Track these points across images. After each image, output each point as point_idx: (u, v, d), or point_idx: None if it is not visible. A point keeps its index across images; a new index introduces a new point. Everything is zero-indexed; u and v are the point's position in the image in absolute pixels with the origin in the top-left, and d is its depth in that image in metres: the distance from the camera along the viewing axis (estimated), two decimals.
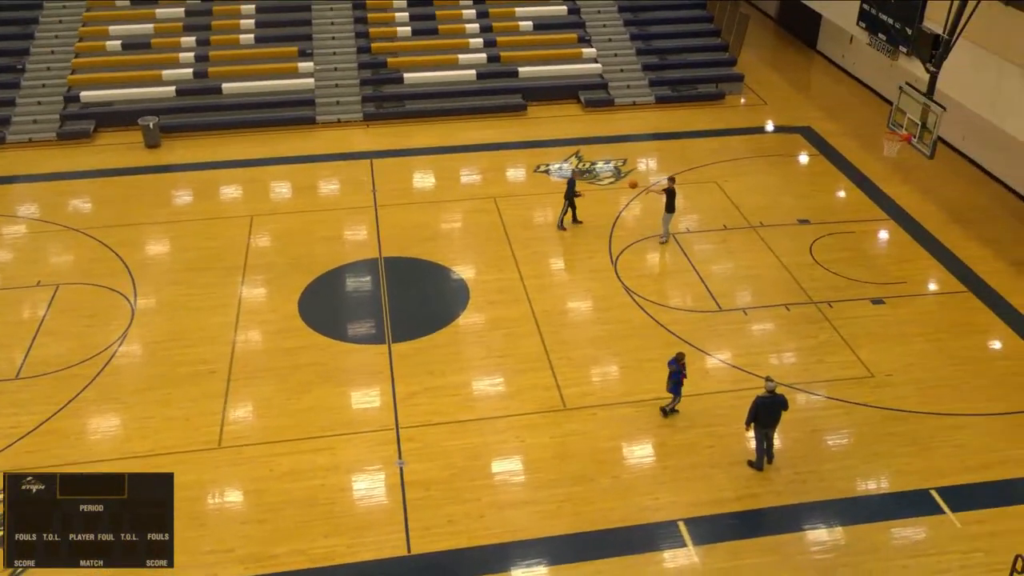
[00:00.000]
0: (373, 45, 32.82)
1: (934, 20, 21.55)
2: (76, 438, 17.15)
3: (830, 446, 17.16)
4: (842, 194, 26.09)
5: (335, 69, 32.01)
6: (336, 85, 31.48)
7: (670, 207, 22.98)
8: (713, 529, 15.35)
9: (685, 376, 17.14)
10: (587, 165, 27.49)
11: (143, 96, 30.24)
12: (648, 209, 24.96)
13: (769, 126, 30.49)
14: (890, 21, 23.47)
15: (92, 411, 17.81)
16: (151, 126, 28.44)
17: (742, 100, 32.51)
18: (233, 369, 18.92)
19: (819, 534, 15.31)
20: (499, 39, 33.27)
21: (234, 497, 15.97)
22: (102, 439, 17.20)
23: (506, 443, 17.11)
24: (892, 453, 16.93)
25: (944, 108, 20.37)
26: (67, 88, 30.36)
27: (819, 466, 16.63)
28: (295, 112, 30.40)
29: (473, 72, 31.99)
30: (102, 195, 26.00)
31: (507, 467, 16.60)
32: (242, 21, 33.12)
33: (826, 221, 24.21)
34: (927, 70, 21.23)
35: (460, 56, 32.42)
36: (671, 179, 23.32)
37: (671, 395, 17.35)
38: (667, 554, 14.94)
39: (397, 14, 33.97)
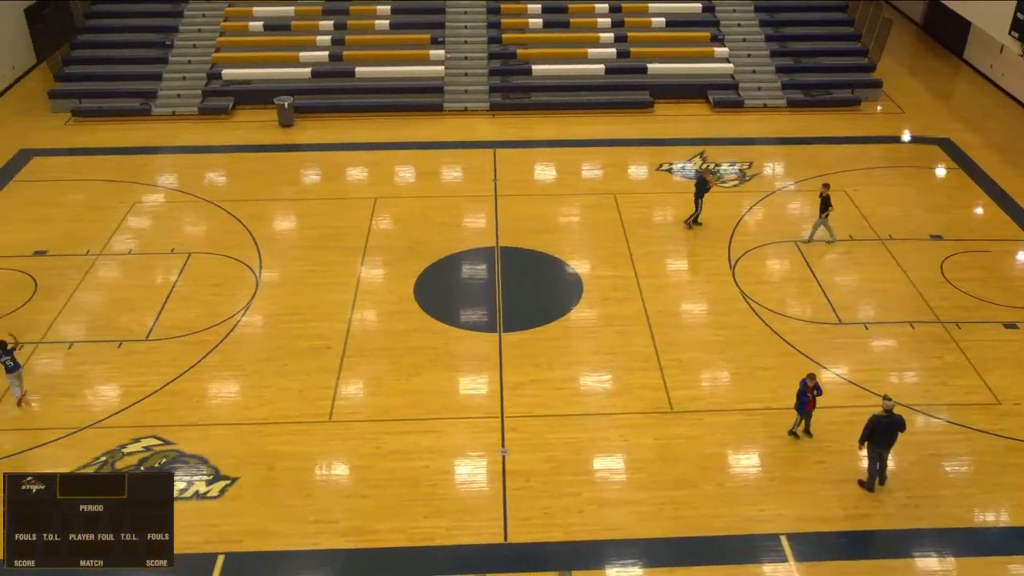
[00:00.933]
0: (504, 36, 33.04)
1: None
2: (197, 401, 17.90)
3: (948, 472, 16.43)
4: (979, 211, 24.89)
5: (465, 58, 32.36)
6: (465, 74, 31.83)
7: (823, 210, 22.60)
8: (817, 546, 14.91)
9: (812, 397, 16.57)
10: (711, 166, 27.02)
11: (280, 76, 31.27)
12: (771, 215, 24.37)
13: (906, 136, 29.34)
14: None
15: (213, 376, 18.55)
16: (286, 106, 29.39)
17: (879, 107, 31.37)
18: (348, 346, 19.39)
19: (930, 562, 14.68)
20: (630, 35, 33.00)
21: (340, 471, 16.38)
22: (221, 403, 17.90)
23: (609, 441, 17.02)
24: (1016, 485, 16.08)
25: None
26: (210, 65, 31.64)
27: (935, 492, 15.94)
28: (423, 99, 30.90)
29: (602, 67, 31.83)
30: (236, 170, 27.03)
31: (609, 465, 16.51)
32: (379, 7, 33.82)
33: (961, 238, 23.17)
34: None
35: (590, 50, 32.31)
36: (825, 186, 22.76)
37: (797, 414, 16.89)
38: (767, 568, 14.59)
39: (530, 6, 34.10)
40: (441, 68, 31.76)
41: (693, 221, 23.63)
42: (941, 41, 36.88)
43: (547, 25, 33.57)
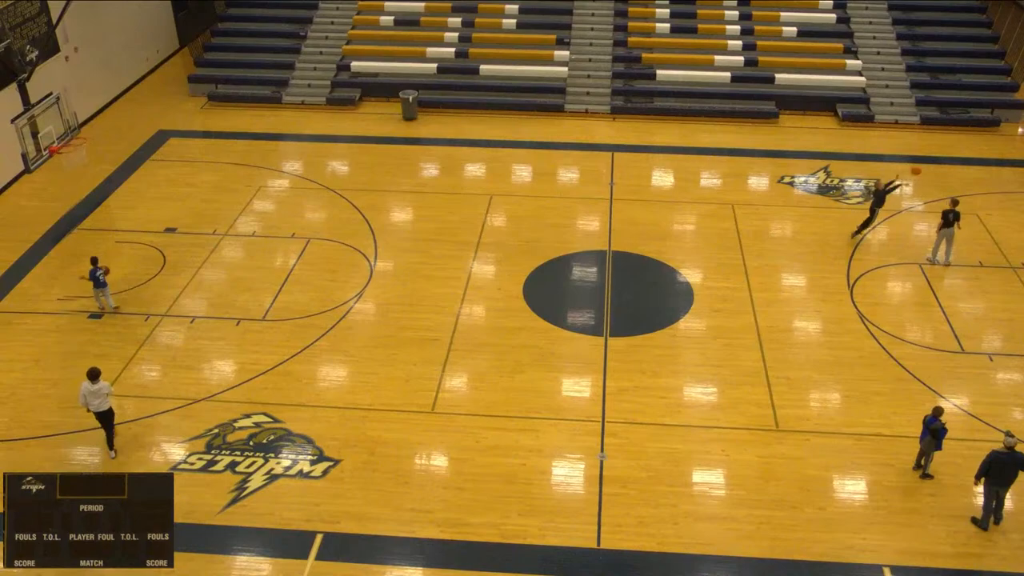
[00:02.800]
0: (630, 39, 32.83)
1: None
2: (306, 382, 18.40)
3: None
4: None
5: (589, 60, 32.30)
6: (588, 76, 31.77)
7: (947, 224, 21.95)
8: None
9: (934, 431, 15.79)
10: (835, 181, 26.23)
11: (406, 70, 31.86)
12: (895, 234, 23.52)
13: None
14: None
15: (323, 360, 19.04)
16: (410, 99, 29.93)
17: (1020, 130, 29.88)
18: (454, 340, 19.61)
19: None
20: (759, 43, 32.34)
21: (439, 462, 16.58)
22: (328, 387, 18.35)
23: (710, 454, 16.72)
24: None
25: None
26: (340, 57, 32.48)
27: None
28: (546, 99, 30.99)
29: (728, 75, 31.29)
30: (358, 160, 27.67)
31: (707, 479, 16.23)
32: (507, 6, 34.07)
33: None
34: None
35: (717, 57, 31.80)
36: (953, 201, 22.07)
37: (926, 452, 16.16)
38: None
39: (658, 10, 33.80)
40: (565, 69, 31.78)
41: (856, 226, 23.34)
42: None
43: (674, 30, 33.19)
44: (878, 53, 32.19)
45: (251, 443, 16.77)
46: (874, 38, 32.73)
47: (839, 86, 31.07)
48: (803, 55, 31.94)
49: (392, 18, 33.76)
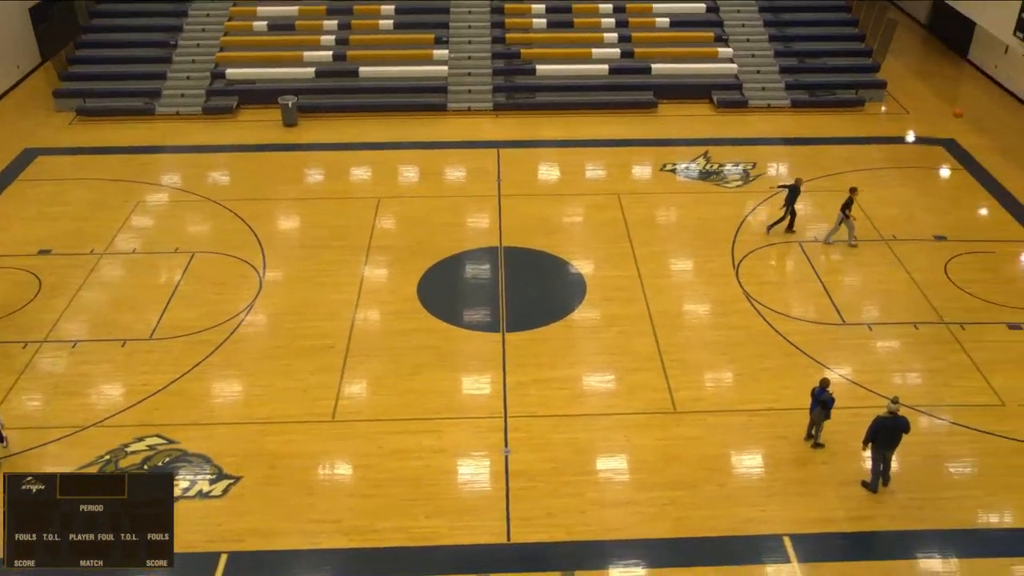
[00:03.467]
0: (508, 36, 33.04)
1: None
2: (200, 400, 17.90)
3: (952, 474, 16.39)
4: (984, 212, 24.83)
5: (469, 58, 32.37)
6: (469, 74, 31.83)
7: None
8: (820, 547, 14.88)
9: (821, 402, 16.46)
10: (715, 166, 26.99)
11: (284, 76, 31.30)
12: (774, 215, 24.33)
13: (910, 137, 29.28)
14: None
15: (216, 376, 18.55)
16: (290, 105, 29.41)
17: (883, 108, 31.32)
18: (351, 346, 19.40)
19: (933, 564, 14.65)
20: (634, 35, 32.99)
21: (343, 470, 16.37)
22: (223, 403, 17.90)
23: (612, 441, 17.00)
24: (1020, 487, 16.04)
25: None
26: (214, 65, 31.66)
27: (938, 494, 15.90)
28: (427, 98, 30.90)
29: (605, 67, 31.82)
30: (240, 169, 27.05)
31: (611, 465, 16.50)
32: (383, 7, 33.82)
33: (965, 239, 23.11)
34: None
35: (594, 50, 32.29)
36: (852, 189, 22.72)
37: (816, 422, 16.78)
38: (770, 568, 14.57)
39: (534, 6, 34.09)
40: (445, 68, 31.76)
41: (783, 229, 23.48)
42: (945, 42, 36.82)
43: (551, 25, 33.56)
44: (747, 40, 33.25)
45: (146, 467, 16.23)
46: (743, 26, 33.80)
47: (713, 73, 31.97)
48: (677, 45, 32.72)
49: (265, 23, 33.09)
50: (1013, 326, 20.09)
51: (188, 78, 31.25)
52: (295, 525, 15.12)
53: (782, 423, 17.32)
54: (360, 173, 26.93)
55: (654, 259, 22.47)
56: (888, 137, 29.13)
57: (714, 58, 32.36)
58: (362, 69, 31.50)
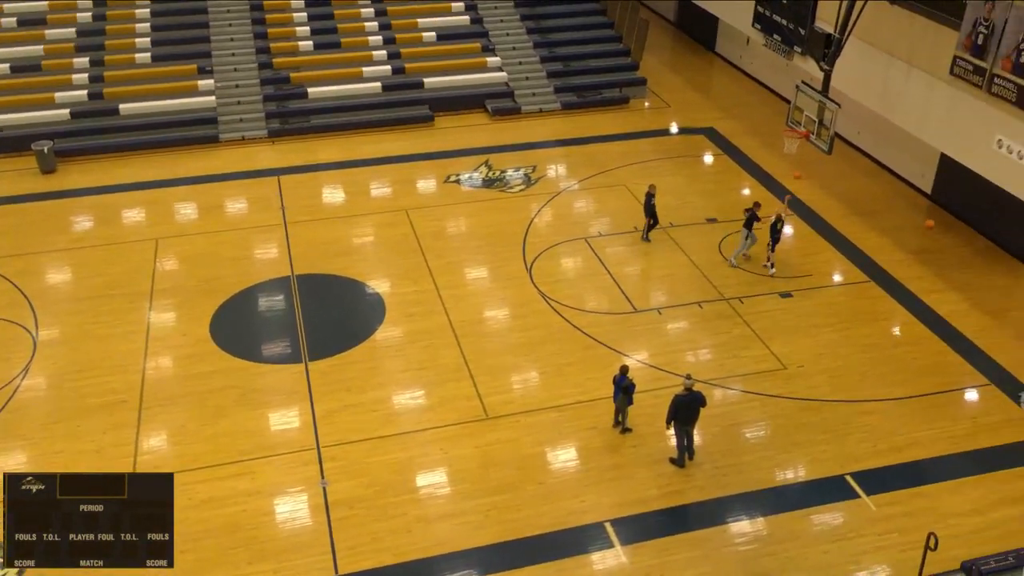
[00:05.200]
0: (275, 60, 32.37)
1: (825, 20, 22.30)
2: None
3: (748, 439, 17.55)
4: (747, 192, 26.73)
5: (236, 86, 31.46)
6: (238, 102, 30.94)
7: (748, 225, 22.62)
8: (640, 528, 15.53)
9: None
10: (497, 173, 27.59)
11: (36, 120, 29.20)
12: (559, 214, 25.18)
13: (674, 128, 31.08)
14: (784, 22, 24.18)
15: None
16: (45, 151, 27.49)
17: (646, 104, 33.06)
18: (145, 397, 18.40)
19: (742, 526, 15.63)
20: (403, 50, 33.18)
21: None
22: None
23: (429, 456, 17.03)
24: (808, 442, 17.40)
25: (839, 105, 21.06)
26: None
27: (739, 459, 16.99)
28: (197, 131, 29.77)
29: (378, 84, 31.83)
30: None
31: (432, 480, 16.52)
32: (137, 40, 32.29)
33: (733, 219, 24.75)
34: (821, 68, 21.94)
35: (364, 69, 32.22)
36: (756, 204, 22.81)
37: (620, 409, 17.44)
38: (595, 556, 15.06)
39: (298, 28, 33.60)
40: (212, 98, 30.71)
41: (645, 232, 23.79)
42: (694, 37, 39.34)
43: (318, 47, 33.18)
44: (514, 48, 34.20)
45: None
46: (507, 35, 34.75)
47: (484, 83, 32.66)
48: (446, 58, 33.19)
49: (7, 65, 30.79)
50: (784, 295, 21.75)
51: None
52: None
53: (591, 414, 17.94)
54: (133, 215, 25.56)
55: (449, 270, 22.69)
56: (655, 131, 30.78)
57: (484, 68, 33.06)
58: (122, 106, 29.92)
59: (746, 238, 22.70)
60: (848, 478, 16.58)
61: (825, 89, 21.56)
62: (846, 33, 20.68)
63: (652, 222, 23.77)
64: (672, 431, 16.65)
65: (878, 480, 16.52)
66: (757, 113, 31.79)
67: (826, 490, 16.33)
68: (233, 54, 32.61)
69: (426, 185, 27.30)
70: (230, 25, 33.67)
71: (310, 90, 31.36)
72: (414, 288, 21.99)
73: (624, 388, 16.97)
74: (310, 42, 33.19)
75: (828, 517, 15.80)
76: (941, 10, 20.68)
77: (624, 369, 17.12)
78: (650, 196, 23.48)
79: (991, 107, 19.15)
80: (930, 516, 15.69)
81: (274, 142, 29.89)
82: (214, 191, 26.73)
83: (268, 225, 24.79)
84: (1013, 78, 18.44)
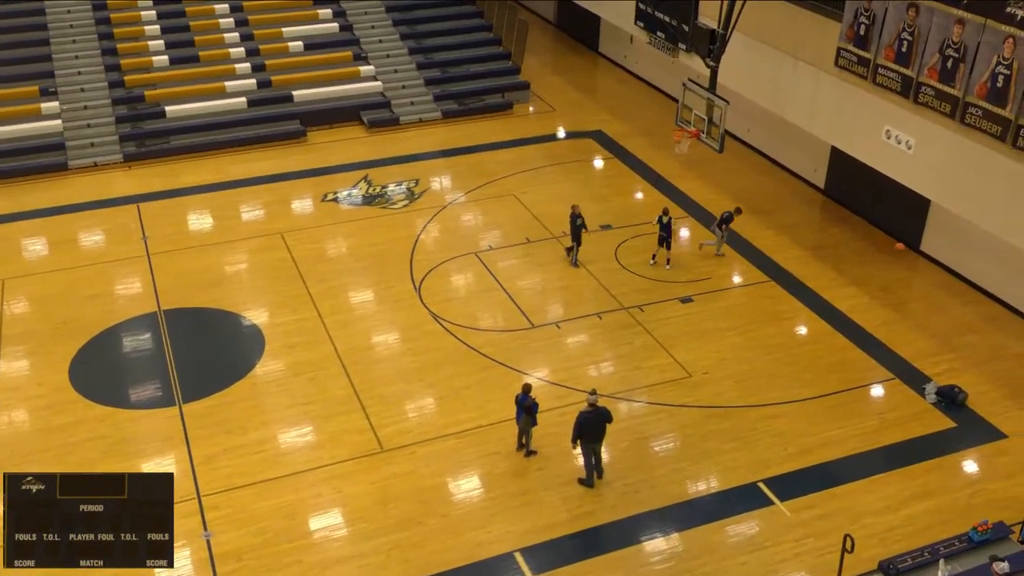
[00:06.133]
0: (127, 78, 31.46)
1: (709, 16, 23.00)
2: None
3: (658, 452, 17.85)
4: (640, 195, 27.29)
5: (85, 107, 30.45)
6: (88, 125, 29.93)
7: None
8: (551, 554, 15.60)
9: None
10: (378, 189, 27.43)
11: None
12: (447, 229, 25.18)
13: (561, 132, 31.52)
14: (667, 19, 24.83)
15: None
16: None
17: (531, 108, 33.44)
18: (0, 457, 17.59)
19: (658, 543, 15.87)
20: (268, 62, 32.71)
21: None
22: None
23: (322, 496, 16.75)
24: (718, 450, 17.81)
25: (727, 102, 21.71)
26: None
27: (649, 474, 17.26)
28: (42, 159, 28.64)
29: (243, 99, 31.28)
30: None
31: (326, 522, 16.25)
32: None
33: (627, 224, 25.25)
34: (707, 65, 22.59)
35: (227, 83, 31.62)
36: (737, 210, 24.00)
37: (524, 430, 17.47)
38: None
39: (150, 42, 32.74)
40: (58, 122, 29.62)
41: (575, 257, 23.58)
42: (576, 38, 40.00)
43: (174, 61, 32.41)
44: (388, 56, 34.13)
45: None
46: (380, 41, 34.65)
47: (358, 94, 32.47)
48: (316, 68, 32.87)
49: None
50: (684, 300, 22.26)
51: None
52: None
53: (493, 438, 17.96)
54: None
55: (332, 295, 22.42)
56: (541, 136, 31.15)
57: (357, 78, 32.88)
58: None
59: (721, 238, 23.71)
60: (761, 485, 17.03)
61: (712, 86, 22.21)
62: (730, 28, 21.36)
63: (577, 245, 23.39)
64: (578, 450, 16.78)
65: (791, 484, 17.03)
66: (645, 113, 32.51)
67: (740, 499, 16.73)
68: (79, 72, 31.53)
69: (302, 205, 26.94)
70: (73, 42, 32.56)
71: (168, 108, 30.58)
72: (295, 317, 21.63)
73: (527, 408, 17.05)
74: (165, 56, 32.38)
75: (744, 527, 16.19)
76: (823, 2, 21.60)
77: (526, 388, 17.20)
78: (575, 217, 23.10)
79: (877, 97, 20.09)
80: (845, 517, 16.25)
81: (131, 167, 29.00)
82: (66, 223, 25.75)
83: (129, 257, 24.02)
84: (896, 67, 19.39)
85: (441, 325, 21.34)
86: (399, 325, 21.45)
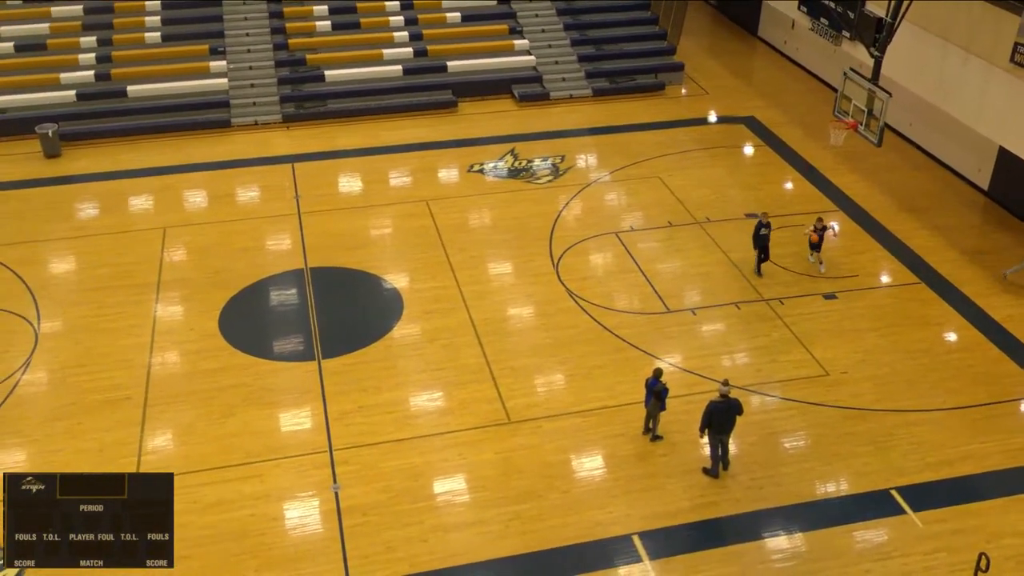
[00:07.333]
0: (290, 41, 32.53)
1: (876, 3, 22.10)
2: None
3: (787, 449, 17.43)
4: (789, 185, 26.57)
5: (250, 68, 31.64)
6: (252, 85, 31.12)
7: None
8: (670, 542, 15.48)
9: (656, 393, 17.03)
10: (523, 163, 27.57)
11: (40, 102, 29.55)
12: (588, 208, 25.10)
13: (712, 117, 30.93)
14: (832, 5, 24.02)
15: None
16: (50, 134, 27.80)
17: (683, 90, 32.92)
18: (150, 394, 18.56)
19: (779, 541, 15.53)
20: (425, 32, 33.22)
21: None
22: None
23: (447, 461, 17.05)
24: (851, 453, 17.26)
25: (890, 94, 20.88)
26: None
27: (776, 470, 16.88)
28: (208, 115, 29.98)
29: (399, 67, 31.89)
30: None
31: (449, 487, 16.55)
32: (147, 18, 32.56)
33: (775, 214, 24.57)
34: (871, 55, 21.75)
35: (385, 51, 32.29)
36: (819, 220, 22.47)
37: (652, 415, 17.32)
38: (622, 570, 15.01)
39: (315, 7, 33.73)
40: (224, 80, 30.92)
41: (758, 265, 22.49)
42: (736, 20, 39.12)
43: (336, 27, 33.30)
44: (543, 31, 34.15)
45: None
46: (536, 16, 34.69)
47: (511, 67, 32.64)
48: (471, 40, 33.22)
49: (11, 43, 31.14)
50: (828, 296, 21.58)
51: None
52: None
53: (619, 420, 17.89)
54: (140, 203, 25.80)
55: (471, 265, 22.71)
56: (692, 119, 30.64)
57: (511, 51, 33.05)
58: (130, 88, 30.19)
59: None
60: (894, 493, 16.43)
61: (875, 77, 21.37)
62: (899, 17, 20.49)
63: (763, 256, 22.28)
64: (706, 440, 16.57)
65: (926, 495, 16.36)
66: (802, 102, 31.56)
67: (870, 505, 16.19)
68: (247, 34, 32.80)
69: (448, 175, 27.33)
70: (244, 3, 33.84)
71: (327, 73, 31.49)
72: (434, 284, 22.02)
73: (657, 392, 16.91)
74: (327, 22, 33.31)
75: (872, 534, 15.67)
76: None
77: (657, 372, 17.06)
78: (761, 226, 21.98)
79: None
80: (981, 535, 15.52)
81: (288, 127, 30.05)
82: (225, 178, 26.92)
83: (281, 215, 24.92)
84: None
85: (576, 303, 21.34)
86: (535, 300, 21.55)
